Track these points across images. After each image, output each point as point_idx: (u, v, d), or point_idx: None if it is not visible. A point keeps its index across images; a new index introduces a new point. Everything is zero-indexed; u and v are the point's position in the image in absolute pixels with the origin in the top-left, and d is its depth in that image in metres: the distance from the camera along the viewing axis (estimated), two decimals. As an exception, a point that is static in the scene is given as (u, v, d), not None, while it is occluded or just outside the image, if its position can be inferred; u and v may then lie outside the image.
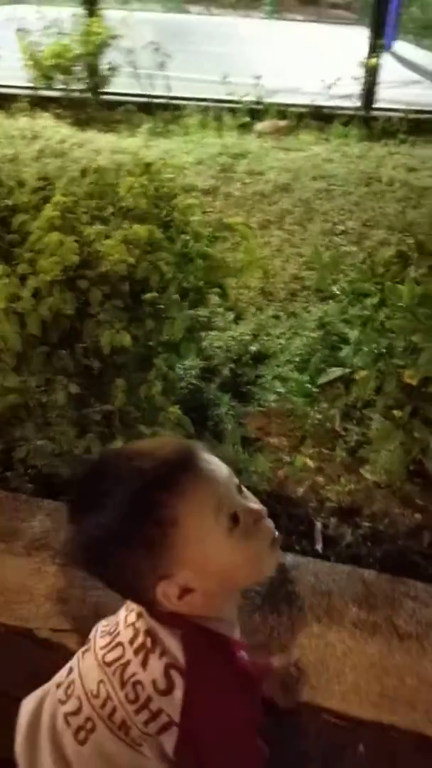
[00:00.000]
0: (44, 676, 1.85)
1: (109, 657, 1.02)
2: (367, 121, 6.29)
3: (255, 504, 1.03)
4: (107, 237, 1.78)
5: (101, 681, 1.01)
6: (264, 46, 10.53)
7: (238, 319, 3.29)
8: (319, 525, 2.25)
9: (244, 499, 1.02)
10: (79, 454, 2.07)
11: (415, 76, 9.31)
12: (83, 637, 1.91)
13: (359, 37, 7.63)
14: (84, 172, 2.05)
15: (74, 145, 5.16)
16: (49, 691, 1.10)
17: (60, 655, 1.90)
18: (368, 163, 5.35)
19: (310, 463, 2.51)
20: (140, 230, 1.81)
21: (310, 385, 2.37)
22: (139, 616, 1.03)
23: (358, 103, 6.48)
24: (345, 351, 2.24)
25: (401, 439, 2.08)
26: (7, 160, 4.25)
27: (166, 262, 1.85)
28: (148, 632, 1.00)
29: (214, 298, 2.18)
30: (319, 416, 2.61)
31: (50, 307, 1.70)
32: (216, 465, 1.02)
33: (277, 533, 1.03)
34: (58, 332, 1.80)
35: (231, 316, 3.28)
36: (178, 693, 0.95)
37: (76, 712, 1.01)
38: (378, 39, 6.51)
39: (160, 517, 0.93)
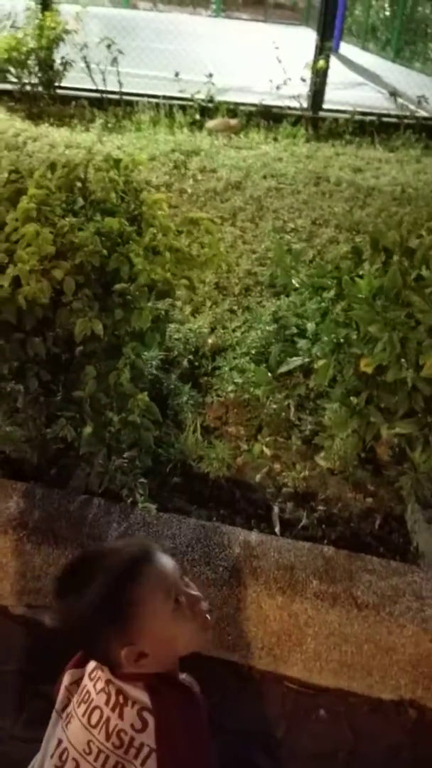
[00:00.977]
0: (19, 651, 1.92)
1: (92, 720, 1.27)
2: (315, 121, 6.45)
3: (194, 591, 1.31)
4: (80, 229, 1.84)
5: (90, 740, 1.26)
6: (213, 44, 10.62)
7: (195, 312, 3.37)
8: (276, 509, 2.35)
9: (186, 587, 1.30)
10: (48, 439, 2.12)
11: (360, 79, 9.57)
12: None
13: (305, 38, 7.81)
14: (53, 167, 2.09)
15: (29, 139, 5.14)
16: (44, 763, 1.34)
17: (35, 631, 1.97)
18: (316, 163, 5.49)
19: (267, 451, 2.62)
20: (111, 222, 1.87)
21: (270, 375, 2.47)
22: (107, 683, 1.28)
23: (306, 104, 6.63)
24: (302, 342, 2.34)
25: (356, 426, 2.20)
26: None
27: (135, 254, 1.92)
28: (119, 692, 1.26)
29: (177, 291, 2.26)
30: (274, 406, 2.72)
31: (26, 295, 1.75)
32: (166, 560, 1.30)
33: (209, 617, 1.31)
34: (32, 320, 1.84)
35: (188, 309, 3.37)
36: (152, 726, 1.23)
37: None
38: (326, 41, 6.67)
39: (126, 598, 1.22)
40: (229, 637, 1.88)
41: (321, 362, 2.09)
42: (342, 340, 2.03)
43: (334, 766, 1.73)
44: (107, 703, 1.27)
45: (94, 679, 1.31)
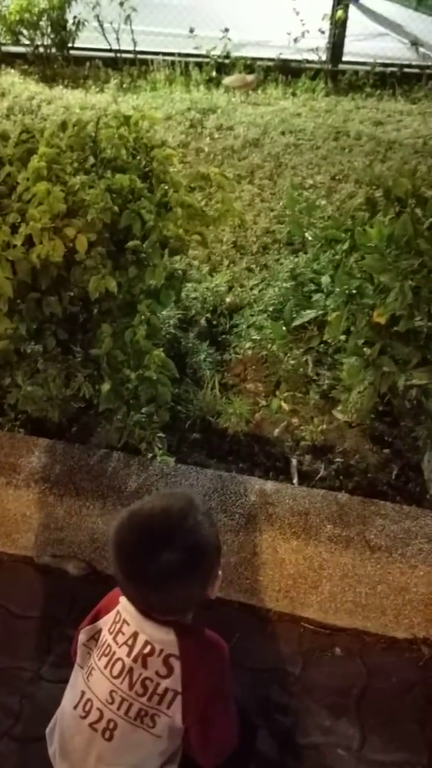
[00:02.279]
0: (44, 598, 2.01)
1: (114, 671, 1.35)
2: (334, 74, 6.30)
3: None
4: (91, 186, 1.86)
5: (112, 691, 1.35)
6: (228, -3, 10.34)
7: (212, 271, 3.39)
8: (294, 461, 2.40)
9: None
10: (68, 398, 2.17)
11: (381, 29, 9.27)
12: (80, 562, 2.07)
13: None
14: (64, 125, 2.11)
15: (43, 102, 5.12)
16: (65, 713, 1.43)
17: (59, 579, 2.06)
18: (336, 117, 5.39)
19: (285, 406, 2.65)
20: (122, 179, 1.89)
21: (285, 329, 2.49)
22: (134, 636, 1.35)
23: (325, 57, 6.47)
24: (317, 296, 2.35)
25: (371, 378, 2.21)
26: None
27: (147, 210, 1.94)
28: (146, 643, 1.34)
29: (192, 250, 2.27)
30: (292, 362, 2.75)
31: (40, 254, 1.79)
32: None
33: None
34: (47, 279, 1.88)
35: (206, 268, 3.38)
36: (178, 671, 1.31)
37: (99, 719, 1.36)
38: (344, -9, 6.47)
39: (218, 545, 1.35)
40: (247, 581, 1.94)
41: (334, 314, 2.10)
42: (355, 292, 2.04)
43: (348, 700, 1.80)
44: (129, 654, 1.34)
45: (113, 633, 1.38)
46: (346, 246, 2.21)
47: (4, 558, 2.12)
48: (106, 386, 2.12)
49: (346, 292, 2.03)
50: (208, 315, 3.07)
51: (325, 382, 2.69)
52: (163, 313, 2.76)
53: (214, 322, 3.07)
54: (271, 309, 3.04)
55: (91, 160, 2.00)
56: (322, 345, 2.66)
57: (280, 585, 1.92)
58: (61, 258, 1.86)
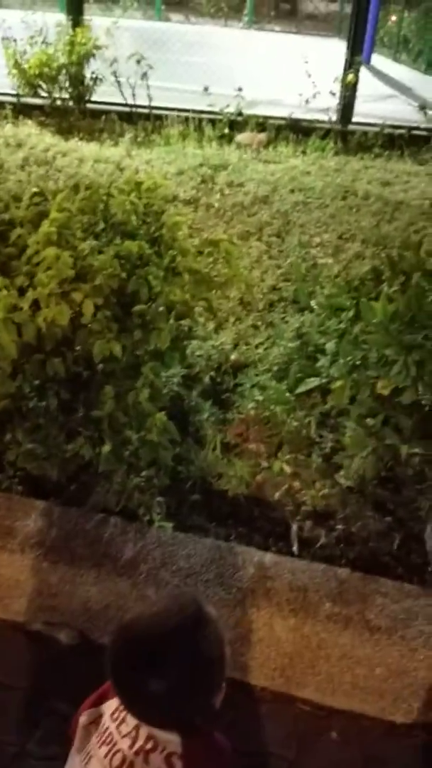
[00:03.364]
0: (34, 668, 1.95)
1: (114, 763, 1.27)
2: (344, 134, 6.44)
3: None
4: (100, 252, 1.88)
5: None
6: (243, 56, 10.67)
7: (218, 328, 3.39)
8: (294, 527, 2.36)
9: None
10: (68, 457, 2.16)
11: (391, 91, 9.53)
12: (72, 630, 2.02)
13: (337, 49, 7.81)
14: (76, 189, 2.14)
15: (58, 154, 5.22)
16: None
17: (50, 647, 2.00)
18: (344, 176, 5.48)
19: (287, 468, 2.62)
20: (131, 246, 1.91)
21: (288, 394, 2.48)
22: (137, 728, 1.27)
23: (335, 117, 6.63)
24: (322, 361, 2.35)
25: (374, 446, 2.20)
26: (-7, 168, 4.30)
27: (154, 276, 1.96)
28: (149, 737, 1.26)
29: (198, 310, 2.29)
30: (295, 424, 2.73)
31: (46, 317, 1.79)
32: None
33: None
34: (52, 341, 1.89)
35: (211, 325, 3.39)
36: None
37: None
38: (355, 55, 6.67)
39: (223, 659, 1.26)
40: (242, 657, 1.89)
41: (338, 383, 2.10)
42: (359, 362, 2.04)
43: (345, 790, 1.73)
44: (131, 747, 1.26)
45: (116, 720, 1.31)
46: (350, 315, 2.22)
47: (-5, 623, 2.08)
48: (106, 448, 2.11)
49: (350, 363, 2.03)
50: (212, 373, 3.06)
51: (327, 445, 2.66)
52: (168, 371, 2.75)
53: (218, 380, 3.06)
54: (275, 369, 3.04)
55: (102, 224, 2.02)
56: (323, 408, 2.65)
57: (276, 663, 1.87)
58: (67, 321, 1.86)
